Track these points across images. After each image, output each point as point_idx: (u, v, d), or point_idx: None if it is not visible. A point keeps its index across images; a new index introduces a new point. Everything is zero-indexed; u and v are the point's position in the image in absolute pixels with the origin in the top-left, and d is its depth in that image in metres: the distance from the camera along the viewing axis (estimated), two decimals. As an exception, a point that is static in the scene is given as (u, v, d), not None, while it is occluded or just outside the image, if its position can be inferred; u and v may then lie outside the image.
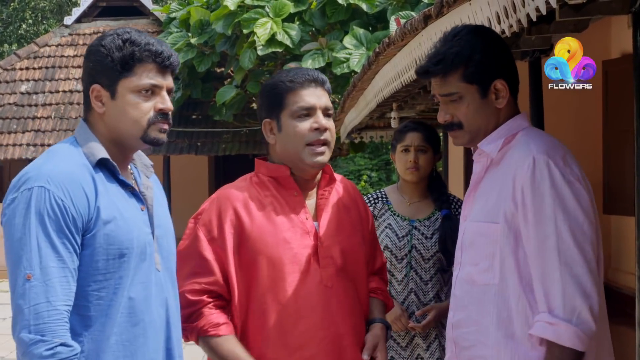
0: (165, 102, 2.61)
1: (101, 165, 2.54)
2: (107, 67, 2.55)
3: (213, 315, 2.88)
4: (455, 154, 8.93)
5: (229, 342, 2.87)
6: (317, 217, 3.01)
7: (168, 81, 2.63)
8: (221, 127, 16.87)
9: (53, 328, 2.34)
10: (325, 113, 2.97)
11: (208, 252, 2.90)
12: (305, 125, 2.92)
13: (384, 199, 4.42)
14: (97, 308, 2.46)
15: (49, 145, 16.83)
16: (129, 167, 2.70)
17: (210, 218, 2.93)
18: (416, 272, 4.26)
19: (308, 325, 2.88)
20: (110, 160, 2.55)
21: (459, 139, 2.79)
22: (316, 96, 2.95)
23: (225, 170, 19.14)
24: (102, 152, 2.54)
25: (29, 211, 2.40)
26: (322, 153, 2.94)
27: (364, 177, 26.09)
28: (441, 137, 9.15)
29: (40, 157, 2.55)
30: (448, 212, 4.29)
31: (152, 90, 2.58)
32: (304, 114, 2.92)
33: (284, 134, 2.95)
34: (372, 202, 4.42)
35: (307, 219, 2.97)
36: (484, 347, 2.66)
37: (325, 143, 2.95)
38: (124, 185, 2.59)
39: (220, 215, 2.92)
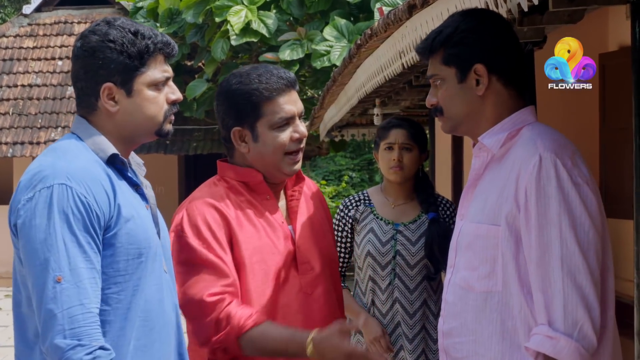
0: (176, 93, 2.68)
1: (109, 162, 2.57)
2: (121, 64, 2.56)
3: (243, 310, 2.81)
4: (443, 152, 8.94)
5: (273, 326, 2.83)
6: (290, 220, 3.04)
7: (171, 70, 2.69)
8: (192, 125, 16.85)
9: (89, 332, 2.35)
10: (300, 117, 3.01)
11: (213, 257, 2.85)
12: (285, 135, 2.95)
13: (367, 201, 4.41)
14: (116, 312, 2.47)
15: (6, 143, 16.74)
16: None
17: (196, 225, 2.89)
18: (401, 280, 4.25)
19: None
20: (120, 156, 2.58)
21: (442, 125, 2.79)
22: (293, 102, 2.97)
23: (196, 171, 19.09)
24: (111, 148, 2.57)
25: (51, 210, 2.39)
26: (298, 161, 3.00)
27: (345, 177, 26.11)
28: (427, 134, 9.16)
29: (45, 154, 2.55)
30: (435, 215, 4.28)
31: (163, 82, 2.64)
32: (284, 124, 2.94)
33: (261, 144, 2.95)
34: (354, 204, 4.41)
35: (282, 222, 3.00)
36: (480, 358, 2.63)
37: (301, 151, 3.01)
38: (130, 183, 2.62)
39: (207, 221, 2.89)
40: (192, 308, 2.83)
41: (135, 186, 2.63)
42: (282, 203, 3.06)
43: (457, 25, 2.68)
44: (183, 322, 2.75)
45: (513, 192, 2.56)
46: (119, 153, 2.57)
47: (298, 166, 3.00)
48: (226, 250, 2.87)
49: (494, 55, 2.67)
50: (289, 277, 2.94)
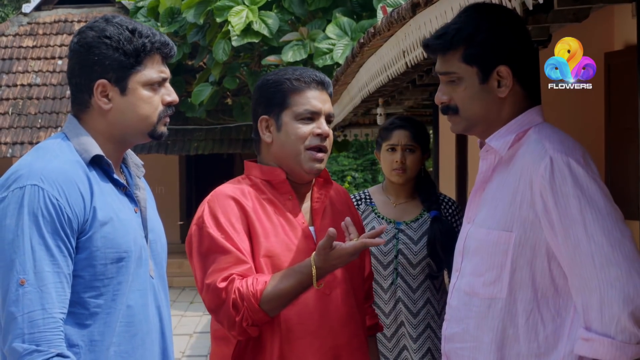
0: (172, 94, 2.65)
1: (94, 163, 2.55)
2: (116, 61, 2.54)
3: (246, 281, 2.84)
4: (447, 153, 8.94)
5: (278, 277, 2.86)
6: (312, 221, 3.08)
7: (168, 71, 2.68)
8: (193, 125, 16.83)
9: (49, 337, 2.34)
10: (328, 119, 3.06)
11: (231, 246, 2.89)
12: (307, 128, 3.00)
13: (368, 200, 4.42)
14: (95, 317, 2.46)
15: (5, 143, 16.75)
16: (120, 166, 2.70)
17: (215, 215, 2.94)
18: (403, 280, 4.25)
19: (305, 332, 2.94)
20: (105, 157, 2.56)
21: (454, 125, 2.75)
22: (322, 100, 3.03)
23: (197, 171, 19.11)
24: (96, 149, 2.55)
25: (21, 211, 2.39)
26: (320, 160, 3.03)
27: (348, 178, 26.12)
28: (431, 134, 9.15)
29: (28, 153, 2.54)
30: (437, 213, 4.28)
31: (159, 83, 2.61)
32: (308, 117, 3.00)
33: (283, 134, 3.01)
34: (355, 204, 4.41)
35: (303, 223, 3.04)
36: None
37: (324, 150, 3.03)
38: (117, 185, 2.59)
39: (226, 211, 2.94)
40: (210, 298, 2.87)
41: (123, 188, 2.61)
42: (307, 205, 3.10)
43: (479, 23, 2.64)
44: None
45: (528, 198, 2.53)
46: (103, 154, 2.55)
47: (319, 165, 3.02)
48: (244, 240, 2.91)
49: (517, 56, 2.65)
50: None
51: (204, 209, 2.98)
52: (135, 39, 2.56)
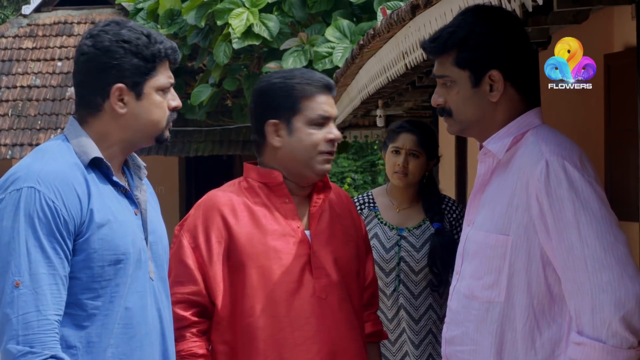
0: (177, 99, 2.69)
1: (93, 165, 2.55)
2: (135, 66, 2.56)
3: (194, 344, 2.95)
4: (446, 154, 8.93)
5: None
6: (309, 225, 3.07)
7: (173, 76, 2.71)
8: (193, 126, 16.83)
9: (43, 339, 2.36)
10: (334, 122, 3.09)
11: (191, 260, 2.97)
12: (321, 134, 3.02)
13: (371, 204, 4.40)
14: (93, 318, 2.47)
15: (5, 145, 16.75)
16: (122, 168, 2.71)
17: (195, 225, 3.00)
18: (406, 286, 4.24)
19: (302, 338, 2.95)
20: (104, 160, 2.56)
21: (450, 127, 2.76)
22: (331, 105, 3.07)
23: (197, 173, 19.08)
24: (95, 151, 2.55)
25: (17, 213, 2.40)
26: (329, 161, 3.06)
27: (348, 179, 26.10)
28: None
29: (28, 155, 2.56)
30: (440, 226, 4.26)
31: (167, 88, 2.64)
32: (320, 122, 3.02)
33: (296, 139, 3.02)
34: (358, 208, 4.39)
35: (298, 227, 3.03)
36: None
37: (334, 153, 3.07)
38: (117, 187, 2.60)
39: (207, 222, 2.99)
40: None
41: (124, 190, 2.62)
42: (304, 208, 3.10)
43: (472, 27, 2.64)
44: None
45: (524, 201, 2.53)
46: (102, 157, 2.56)
47: (327, 167, 3.05)
48: (213, 257, 2.97)
49: (510, 61, 2.64)
50: (303, 281, 2.98)
51: (192, 213, 3.05)
52: (152, 44, 2.58)
